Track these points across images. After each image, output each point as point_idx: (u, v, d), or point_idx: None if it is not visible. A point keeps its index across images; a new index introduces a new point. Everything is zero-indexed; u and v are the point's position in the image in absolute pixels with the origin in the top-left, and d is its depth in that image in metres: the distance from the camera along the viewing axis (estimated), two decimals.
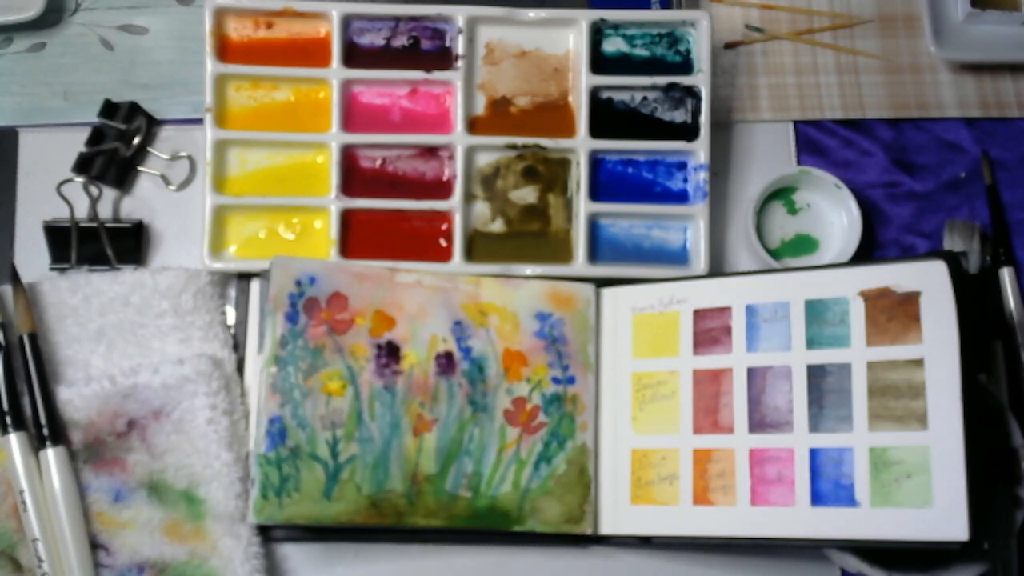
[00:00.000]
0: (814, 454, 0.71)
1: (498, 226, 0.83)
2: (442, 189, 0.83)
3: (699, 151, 0.83)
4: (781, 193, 0.86)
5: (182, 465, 0.76)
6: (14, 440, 0.73)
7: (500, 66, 0.84)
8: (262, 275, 0.80)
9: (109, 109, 0.84)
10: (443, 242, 0.82)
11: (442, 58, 0.84)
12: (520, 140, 0.83)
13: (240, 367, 0.80)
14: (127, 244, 0.82)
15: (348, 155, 0.83)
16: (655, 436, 0.76)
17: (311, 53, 0.83)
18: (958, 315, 0.69)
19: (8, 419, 0.74)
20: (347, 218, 0.82)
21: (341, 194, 0.82)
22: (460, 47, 0.83)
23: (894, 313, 0.71)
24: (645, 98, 0.84)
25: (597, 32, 0.84)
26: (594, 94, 0.84)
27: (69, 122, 0.86)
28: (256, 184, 0.82)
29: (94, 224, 0.82)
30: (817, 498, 0.70)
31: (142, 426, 0.76)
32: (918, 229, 0.86)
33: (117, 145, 0.83)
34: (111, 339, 0.78)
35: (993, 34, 0.89)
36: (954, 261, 0.70)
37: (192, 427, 0.76)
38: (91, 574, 0.73)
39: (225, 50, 0.83)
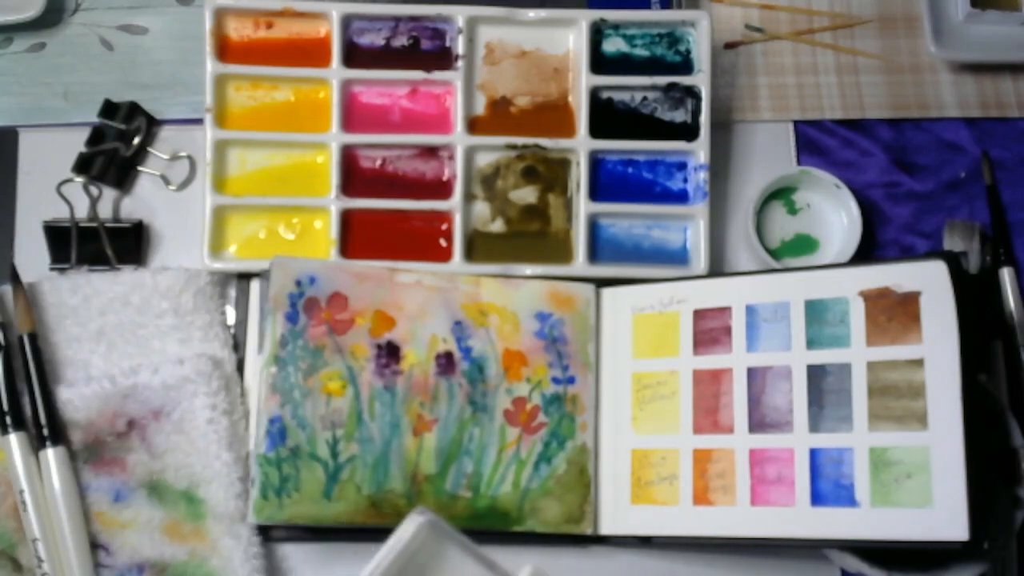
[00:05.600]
0: (814, 454, 0.71)
1: (498, 226, 0.83)
2: (442, 189, 0.83)
3: (699, 151, 0.83)
4: (781, 193, 0.86)
5: (182, 465, 0.76)
6: (14, 440, 0.73)
7: (500, 66, 0.84)
8: (262, 275, 0.80)
9: (109, 109, 0.84)
10: (443, 242, 0.82)
11: (442, 58, 0.84)
12: (520, 140, 0.83)
13: (240, 367, 0.80)
14: (127, 244, 0.82)
15: (348, 155, 0.83)
16: (655, 436, 0.76)
17: (311, 53, 0.83)
18: (958, 315, 0.69)
19: (8, 419, 0.74)
20: (347, 218, 0.82)
21: (341, 194, 0.82)
22: (460, 47, 0.83)
23: (894, 313, 0.71)
24: (645, 98, 0.84)
25: (597, 32, 0.84)
26: (594, 94, 0.84)
27: (69, 122, 0.86)
28: (256, 184, 0.82)
29: (94, 224, 0.82)
30: (817, 498, 0.70)
31: (142, 426, 0.76)
32: (918, 229, 0.86)
33: (117, 145, 0.83)
34: (111, 339, 0.78)
35: (993, 34, 0.89)
36: (954, 261, 0.70)
37: (192, 427, 0.76)
38: (91, 574, 0.73)
39: (225, 50, 0.83)
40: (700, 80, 0.83)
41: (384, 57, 0.84)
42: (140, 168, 0.85)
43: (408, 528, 0.52)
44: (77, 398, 0.75)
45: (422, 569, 0.53)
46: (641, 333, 0.79)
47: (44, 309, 0.78)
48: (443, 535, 0.52)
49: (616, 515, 0.76)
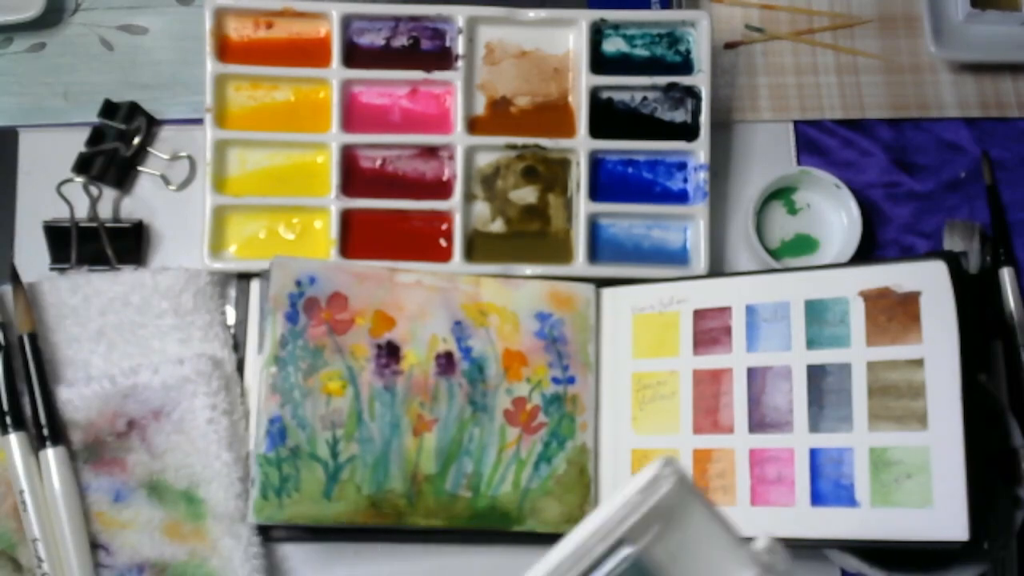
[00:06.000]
0: (814, 454, 0.71)
1: (498, 226, 0.83)
2: (442, 189, 0.83)
3: (699, 151, 0.83)
4: (781, 193, 0.86)
5: (182, 465, 0.76)
6: (14, 440, 0.73)
7: (500, 66, 0.84)
8: (262, 275, 0.80)
9: (109, 109, 0.84)
10: (443, 242, 0.82)
11: (442, 58, 0.84)
12: (520, 140, 0.83)
13: (240, 367, 0.80)
14: (127, 244, 0.82)
15: (348, 155, 0.83)
16: (655, 436, 0.76)
17: (311, 53, 0.83)
18: (958, 315, 0.69)
19: (8, 419, 0.74)
20: (347, 218, 0.82)
21: (341, 194, 0.82)
22: (460, 47, 0.83)
23: (894, 313, 0.71)
24: (645, 98, 0.84)
25: (597, 32, 0.84)
26: (594, 94, 0.84)
27: (69, 122, 0.86)
28: (256, 184, 0.82)
29: (94, 224, 0.82)
30: (817, 498, 0.70)
31: (142, 426, 0.76)
32: (918, 229, 0.86)
33: (117, 145, 0.83)
34: (111, 339, 0.78)
35: (993, 34, 0.89)
36: (954, 261, 0.70)
37: (192, 427, 0.76)
38: (91, 574, 0.73)
39: (225, 50, 0.83)
40: (700, 80, 0.83)
41: (384, 57, 0.84)
42: (140, 168, 0.85)
43: (659, 473, 0.50)
44: (77, 398, 0.75)
45: (670, 511, 0.51)
46: (641, 333, 0.79)
47: (44, 309, 0.78)
48: (688, 489, 0.51)
49: None
